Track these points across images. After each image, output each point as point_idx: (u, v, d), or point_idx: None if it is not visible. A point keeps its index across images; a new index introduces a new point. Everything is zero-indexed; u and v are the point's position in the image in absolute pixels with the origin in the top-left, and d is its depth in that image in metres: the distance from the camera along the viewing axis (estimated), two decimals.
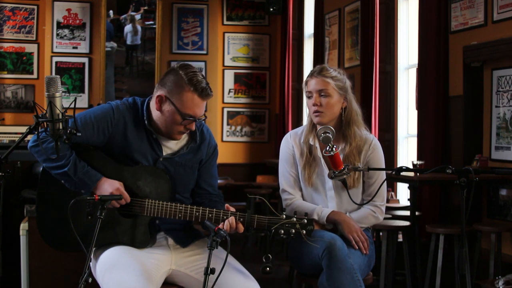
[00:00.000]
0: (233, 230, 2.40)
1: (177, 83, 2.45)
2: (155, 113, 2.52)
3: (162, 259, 2.50)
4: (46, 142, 2.43)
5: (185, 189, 2.63)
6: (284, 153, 2.95)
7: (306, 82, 2.89)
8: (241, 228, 2.41)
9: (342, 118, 2.87)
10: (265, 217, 2.45)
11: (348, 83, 2.89)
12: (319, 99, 2.82)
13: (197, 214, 2.44)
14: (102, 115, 2.51)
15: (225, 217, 2.42)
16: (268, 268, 2.38)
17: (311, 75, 2.88)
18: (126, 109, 2.55)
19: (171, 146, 2.60)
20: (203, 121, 2.63)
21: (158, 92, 2.50)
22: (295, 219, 2.44)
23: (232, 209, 2.47)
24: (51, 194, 2.53)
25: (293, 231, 2.42)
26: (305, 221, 2.44)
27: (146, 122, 2.53)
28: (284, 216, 2.44)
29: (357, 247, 2.75)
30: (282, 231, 2.42)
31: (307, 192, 2.91)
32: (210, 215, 2.43)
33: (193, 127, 2.52)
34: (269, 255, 2.38)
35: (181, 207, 2.45)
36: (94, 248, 2.32)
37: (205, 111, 2.58)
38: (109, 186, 2.44)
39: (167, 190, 2.51)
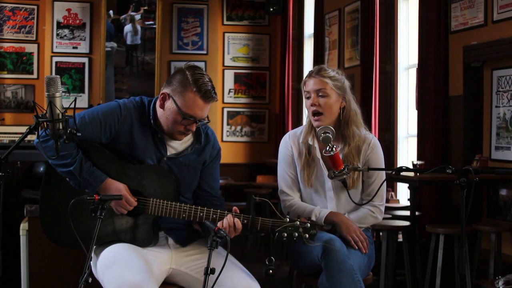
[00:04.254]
0: (232, 227, 2.40)
1: (182, 82, 2.47)
2: (159, 111, 2.53)
3: (162, 257, 2.51)
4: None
5: (188, 189, 2.64)
6: (282, 154, 2.95)
7: (304, 82, 2.89)
8: (238, 223, 2.41)
9: (341, 118, 2.87)
10: (269, 220, 2.44)
11: (346, 83, 2.88)
12: (317, 99, 2.82)
13: (201, 214, 2.45)
14: (109, 112, 2.52)
15: None
16: (271, 271, 2.38)
17: (309, 75, 2.88)
18: (133, 108, 2.57)
19: (175, 146, 2.60)
20: (208, 125, 2.64)
21: (163, 90, 2.52)
22: (298, 222, 2.43)
23: (238, 211, 2.46)
24: (56, 190, 2.54)
25: (296, 234, 2.42)
26: (308, 225, 2.43)
27: (152, 121, 2.54)
28: (288, 219, 2.43)
29: (356, 247, 2.75)
30: (285, 234, 2.42)
31: (306, 193, 2.91)
32: (214, 216, 2.44)
33: (193, 128, 2.51)
34: (272, 257, 2.38)
35: (185, 207, 2.46)
36: (94, 247, 2.33)
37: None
38: (114, 190, 2.45)
39: (172, 190, 2.51)
